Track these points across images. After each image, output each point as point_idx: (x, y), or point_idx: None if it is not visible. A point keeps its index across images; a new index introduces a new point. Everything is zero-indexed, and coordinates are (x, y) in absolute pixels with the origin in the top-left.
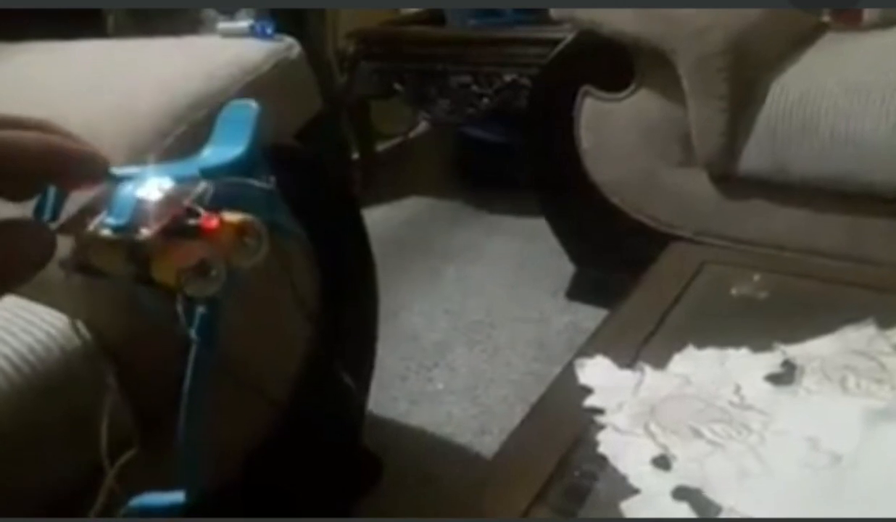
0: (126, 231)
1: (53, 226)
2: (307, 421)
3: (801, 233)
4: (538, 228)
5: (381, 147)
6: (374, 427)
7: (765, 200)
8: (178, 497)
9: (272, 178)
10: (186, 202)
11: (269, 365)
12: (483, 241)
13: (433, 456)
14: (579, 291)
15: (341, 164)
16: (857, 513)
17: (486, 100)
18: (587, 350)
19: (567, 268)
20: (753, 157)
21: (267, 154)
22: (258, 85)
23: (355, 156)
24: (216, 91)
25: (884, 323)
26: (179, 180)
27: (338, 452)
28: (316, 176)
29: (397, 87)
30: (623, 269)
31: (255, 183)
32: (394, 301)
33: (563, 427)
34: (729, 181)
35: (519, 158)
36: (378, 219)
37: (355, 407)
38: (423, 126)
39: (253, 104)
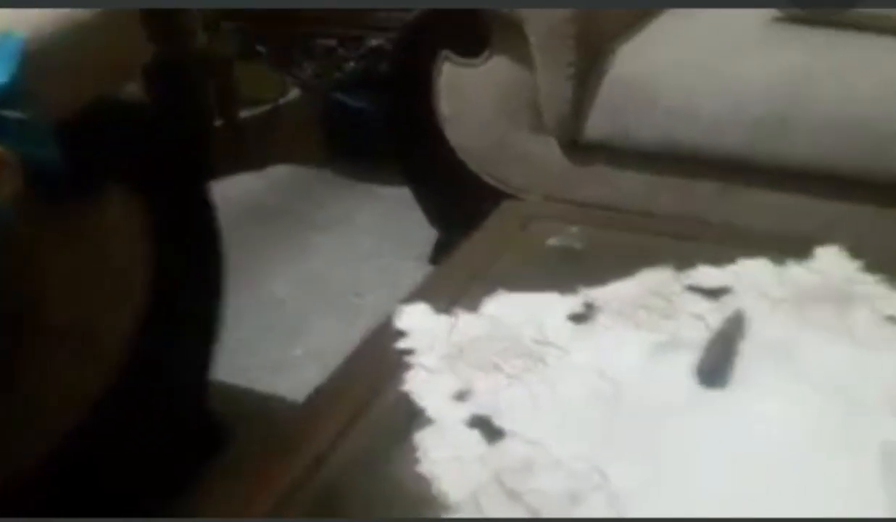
0: None
1: None
2: (140, 387)
3: (640, 197)
4: (405, 196)
5: (250, 113)
6: (231, 396)
7: (609, 166)
8: None
9: (40, 111)
10: None
11: (97, 332)
12: (350, 210)
13: (291, 424)
14: (442, 256)
15: (198, 128)
16: (627, 431)
17: (351, 64)
18: (409, 299)
19: (432, 235)
20: (598, 124)
21: (25, 84)
22: (69, 30)
23: (219, 122)
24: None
25: (680, 267)
26: None
27: (176, 421)
28: (156, 134)
29: (259, 48)
30: None
31: (11, 113)
32: (258, 270)
33: (374, 368)
34: (576, 147)
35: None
36: (243, 187)
37: (195, 375)
38: (294, 93)
39: (16, 34)
